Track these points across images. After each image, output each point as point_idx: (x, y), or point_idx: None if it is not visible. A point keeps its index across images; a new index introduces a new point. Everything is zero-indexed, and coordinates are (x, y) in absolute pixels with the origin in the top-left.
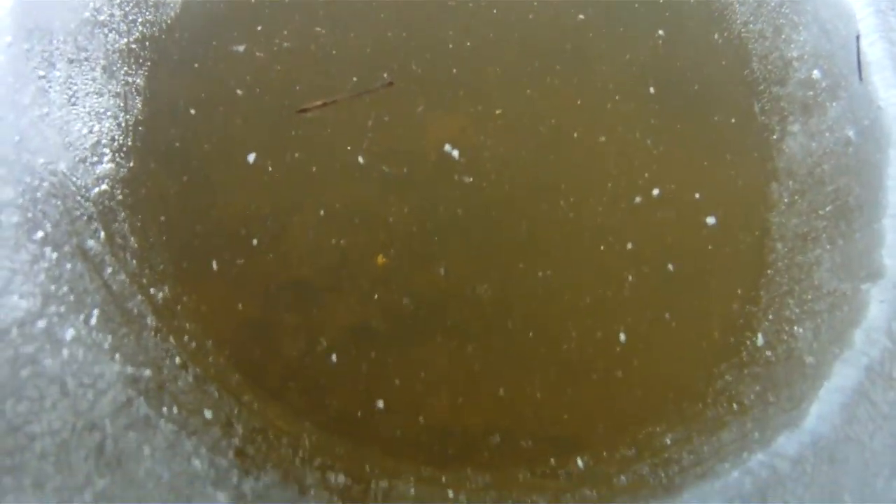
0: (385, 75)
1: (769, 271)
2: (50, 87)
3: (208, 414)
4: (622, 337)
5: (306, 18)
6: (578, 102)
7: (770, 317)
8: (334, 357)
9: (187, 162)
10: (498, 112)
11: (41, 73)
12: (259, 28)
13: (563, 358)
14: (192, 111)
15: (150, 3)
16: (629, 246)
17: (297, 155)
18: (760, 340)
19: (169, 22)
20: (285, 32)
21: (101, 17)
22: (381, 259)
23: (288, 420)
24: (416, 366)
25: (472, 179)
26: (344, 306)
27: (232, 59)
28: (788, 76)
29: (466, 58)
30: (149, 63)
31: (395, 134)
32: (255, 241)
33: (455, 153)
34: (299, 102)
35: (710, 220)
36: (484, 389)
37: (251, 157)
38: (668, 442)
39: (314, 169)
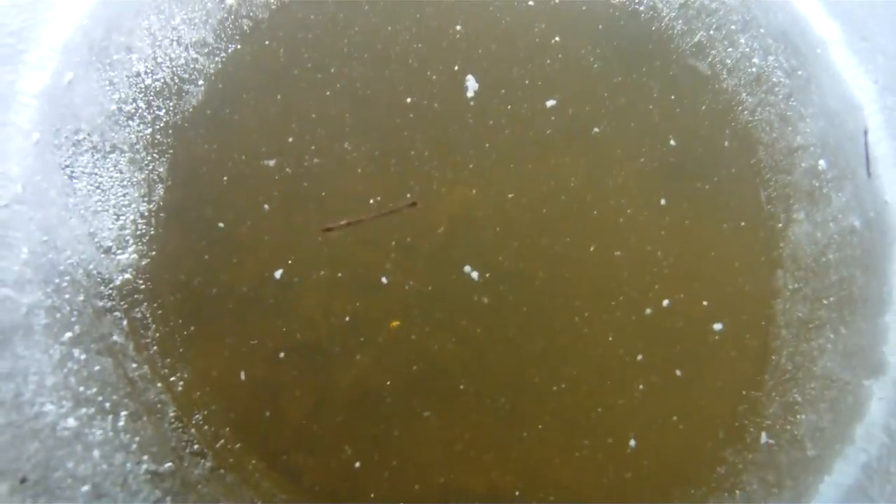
0: (408, 195)
1: (773, 357)
2: (76, 179)
3: None
4: (632, 442)
5: (334, 132)
6: (595, 213)
7: (774, 403)
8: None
9: (211, 262)
10: (515, 232)
11: (68, 165)
12: (290, 141)
13: (575, 465)
14: (221, 224)
15: (174, 91)
16: (639, 357)
17: (322, 273)
18: (763, 438)
19: (191, 112)
20: (313, 147)
21: (127, 108)
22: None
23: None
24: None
25: (489, 300)
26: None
27: (260, 172)
28: (794, 165)
29: (485, 177)
30: (171, 152)
31: (416, 254)
32: (281, 354)
33: (474, 274)
34: (325, 220)
35: (717, 327)
36: (502, 492)
37: (277, 274)
38: None
39: (339, 288)
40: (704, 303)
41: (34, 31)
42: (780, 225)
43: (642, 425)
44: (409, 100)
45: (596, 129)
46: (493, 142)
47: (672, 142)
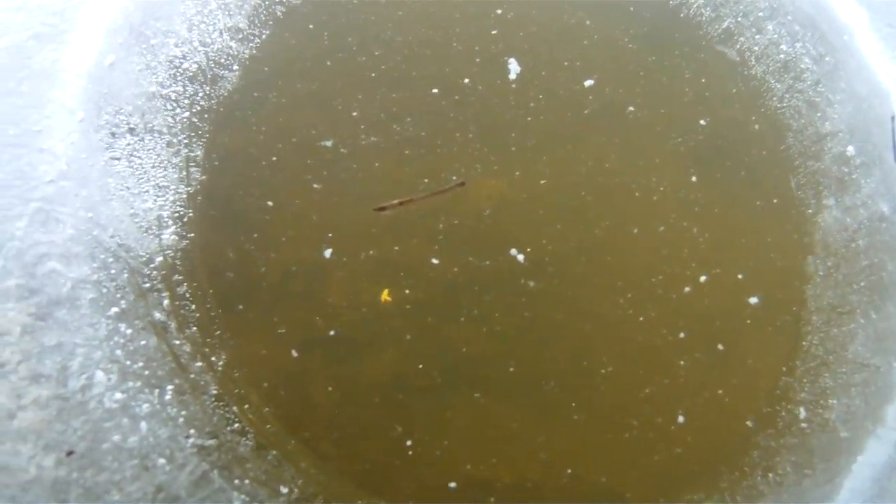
0: (454, 178)
1: (804, 343)
2: (117, 160)
3: (274, 483)
4: (681, 419)
5: (381, 114)
6: (630, 193)
7: (806, 388)
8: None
9: (259, 241)
10: (557, 215)
11: (109, 147)
12: (341, 122)
13: (625, 445)
14: (270, 203)
15: (209, 76)
16: (681, 335)
17: (371, 252)
18: (802, 413)
19: (227, 96)
20: (363, 127)
21: (165, 91)
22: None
23: (339, 482)
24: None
25: (535, 284)
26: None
27: (312, 152)
28: (823, 151)
29: (527, 159)
30: (207, 136)
31: (463, 236)
32: (331, 332)
33: (520, 257)
34: (374, 200)
35: (753, 300)
36: (553, 472)
37: (328, 253)
38: None
39: (388, 268)
40: (739, 276)
41: (77, 12)
42: (811, 211)
43: (689, 401)
44: (453, 82)
45: (630, 109)
46: (534, 123)
47: (702, 122)
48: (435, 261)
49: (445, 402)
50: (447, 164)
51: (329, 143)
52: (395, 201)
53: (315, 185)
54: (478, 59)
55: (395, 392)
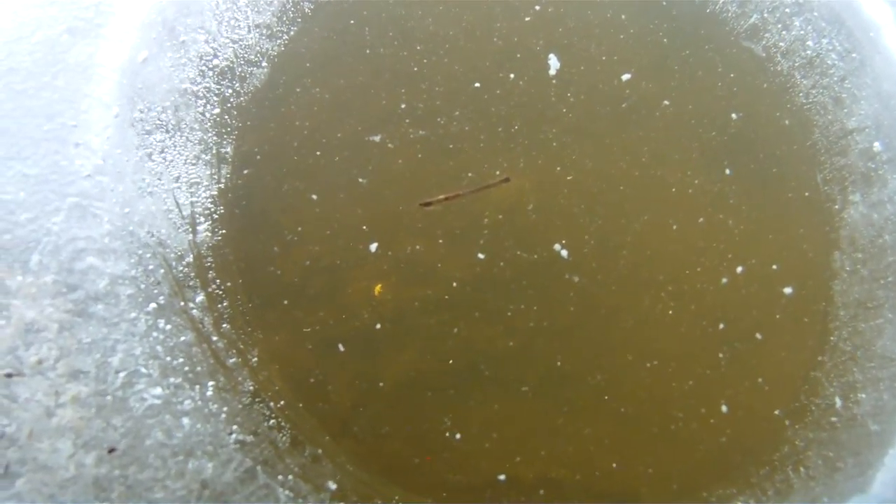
0: (497, 173)
1: (832, 338)
2: (150, 156)
3: (315, 479)
4: (724, 408)
5: (425, 108)
6: (666, 186)
7: (834, 383)
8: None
9: (303, 234)
10: (597, 210)
11: (142, 142)
12: (387, 116)
13: (670, 437)
14: (314, 196)
15: (237, 74)
16: (721, 326)
17: (418, 247)
18: (831, 408)
19: (257, 92)
20: (408, 121)
21: (196, 88)
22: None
23: (381, 477)
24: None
25: (580, 279)
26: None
27: (357, 147)
28: (849, 147)
29: (568, 154)
30: (236, 133)
31: (508, 231)
32: (377, 325)
33: (564, 253)
34: (419, 195)
35: (788, 290)
36: (600, 464)
37: (373, 247)
38: None
39: (435, 262)
40: (774, 267)
41: (111, 6)
42: (837, 207)
43: (732, 391)
44: (495, 77)
45: (666, 103)
46: (574, 118)
47: (734, 115)
48: (481, 255)
49: (493, 395)
50: (490, 158)
51: (377, 138)
52: (441, 196)
53: (360, 180)
54: (518, 55)
55: (443, 386)
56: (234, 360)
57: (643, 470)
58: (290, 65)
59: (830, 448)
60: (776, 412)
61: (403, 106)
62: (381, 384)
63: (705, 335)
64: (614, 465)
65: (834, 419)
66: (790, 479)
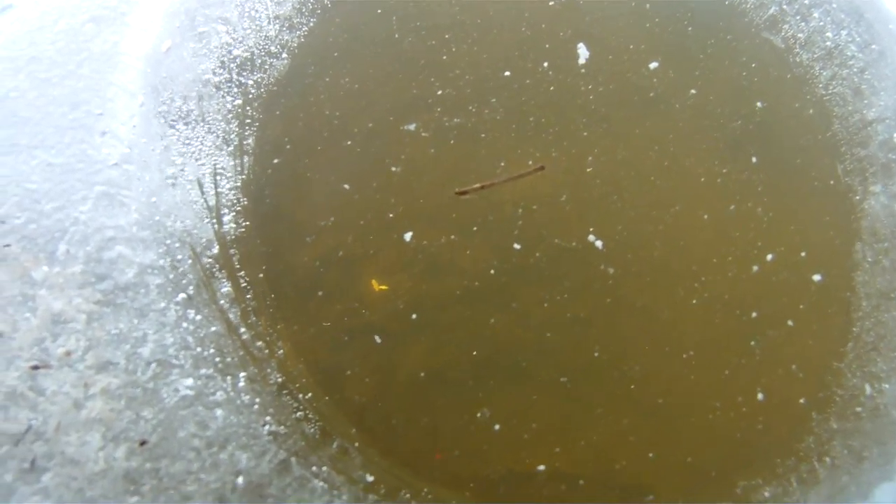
0: (530, 162)
1: (855, 329)
2: (174, 146)
3: (346, 470)
4: (760, 396)
5: (456, 97)
6: (695, 176)
7: (857, 373)
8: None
9: (335, 225)
10: (629, 201)
11: (167, 132)
12: (420, 106)
13: (708, 425)
14: (346, 186)
15: (257, 64)
16: (754, 314)
17: (452, 237)
18: (868, 390)
19: (281, 82)
20: (439, 110)
21: (217, 79)
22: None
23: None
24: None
25: (615, 270)
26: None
27: (389, 136)
28: (869, 138)
29: (598, 144)
30: (258, 124)
31: (543, 221)
32: (413, 315)
33: (599, 243)
34: (453, 184)
35: (817, 277)
36: (639, 454)
37: (408, 236)
38: (767, 495)
39: (471, 252)
40: (802, 254)
41: None
42: (858, 197)
43: (766, 378)
44: (525, 66)
45: (692, 91)
46: (603, 107)
47: (759, 104)
48: (517, 246)
49: (531, 386)
50: (522, 147)
51: (412, 127)
52: (477, 185)
53: (393, 169)
54: (547, 45)
55: (482, 376)
56: (262, 351)
57: (681, 458)
58: (312, 56)
59: (855, 438)
60: (801, 401)
61: (436, 94)
62: (415, 375)
63: (739, 324)
64: (650, 454)
65: (858, 409)
66: (816, 470)
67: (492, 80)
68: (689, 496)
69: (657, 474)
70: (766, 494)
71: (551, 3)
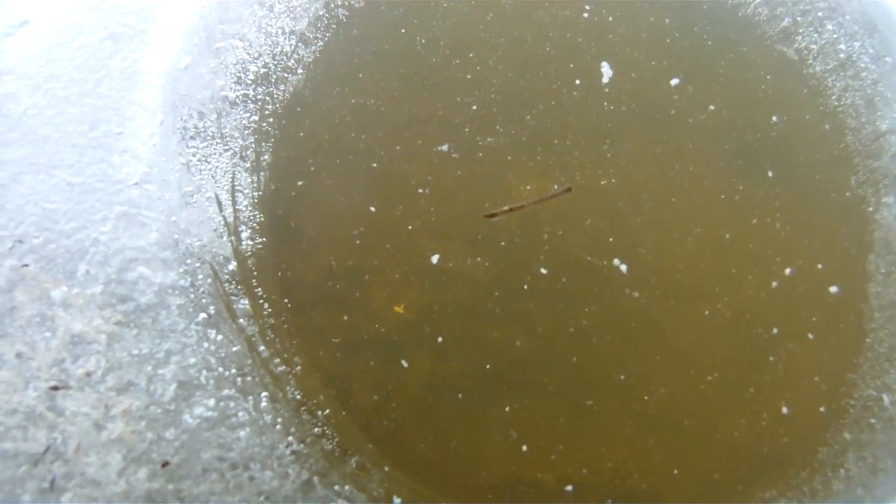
0: (556, 186)
1: (868, 340)
2: (192, 164)
3: (368, 488)
4: (784, 410)
5: (482, 118)
6: (722, 196)
7: (871, 385)
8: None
9: (361, 246)
10: (652, 223)
11: (184, 150)
12: (449, 126)
13: (733, 443)
14: (373, 208)
15: (273, 80)
16: (775, 331)
17: (479, 259)
18: (886, 400)
19: (293, 99)
20: (467, 130)
21: (234, 95)
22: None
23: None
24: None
25: (639, 294)
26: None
27: (418, 157)
28: (882, 150)
29: (622, 166)
30: (273, 140)
31: (570, 245)
32: (439, 338)
33: (623, 267)
34: (479, 206)
35: (834, 289)
36: (665, 473)
37: (435, 259)
38: None
39: (498, 275)
40: (819, 266)
41: (154, 12)
42: (871, 209)
43: (791, 392)
44: (548, 87)
45: (711, 107)
46: (626, 127)
47: (774, 118)
48: (543, 270)
49: (559, 408)
50: (548, 170)
51: (440, 148)
52: (506, 207)
53: (420, 191)
54: (571, 65)
55: (505, 400)
56: (280, 368)
57: (708, 476)
58: (329, 71)
59: (870, 449)
60: (821, 409)
61: (462, 115)
62: (431, 394)
63: (762, 341)
64: (675, 471)
65: (873, 420)
66: (830, 482)
67: (516, 101)
68: None
69: (683, 490)
70: None
71: (578, 28)
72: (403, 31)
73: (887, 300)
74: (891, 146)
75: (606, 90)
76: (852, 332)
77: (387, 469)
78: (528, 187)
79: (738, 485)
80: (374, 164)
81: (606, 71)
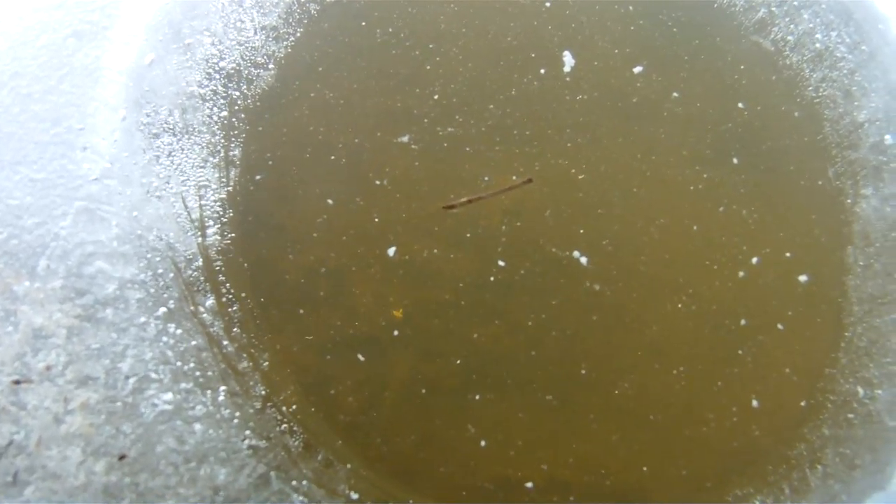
0: (514, 178)
1: (847, 334)
2: (157, 159)
3: (329, 483)
4: (755, 403)
5: (441, 109)
6: (677, 185)
7: (849, 379)
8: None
9: (318, 240)
10: (614, 215)
11: (150, 145)
12: (407, 118)
13: (702, 438)
14: (330, 201)
15: (244, 76)
16: (743, 322)
17: (435, 251)
18: (847, 404)
19: (264, 94)
20: (426, 122)
21: (203, 91)
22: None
23: (398, 487)
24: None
25: (601, 287)
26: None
27: (376, 149)
28: (860, 141)
29: (582, 155)
30: (244, 136)
31: (528, 237)
32: (395, 331)
33: (583, 260)
34: (436, 198)
35: (803, 278)
36: (631, 468)
37: (391, 251)
38: None
39: (454, 268)
40: (787, 254)
41: (117, 9)
42: (849, 201)
43: (761, 385)
44: (509, 77)
45: (675, 94)
46: (587, 117)
47: (740, 104)
48: (501, 262)
49: (517, 404)
50: (507, 160)
51: (405, 139)
52: (464, 199)
53: (377, 182)
54: (533, 54)
55: (466, 394)
56: (245, 364)
57: (676, 472)
58: (298, 67)
59: (847, 445)
60: (802, 404)
61: (421, 107)
62: (396, 390)
63: (729, 333)
64: (644, 468)
65: (851, 416)
66: (807, 478)
67: (477, 92)
68: None
69: (650, 487)
70: (757, 503)
71: (541, 16)
72: (364, 23)
73: (866, 293)
74: (869, 137)
75: (568, 79)
76: (831, 327)
77: (349, 466)
78: (487, 178)
79: (706, 481)
80: (333, 157)
81: (569, 60)
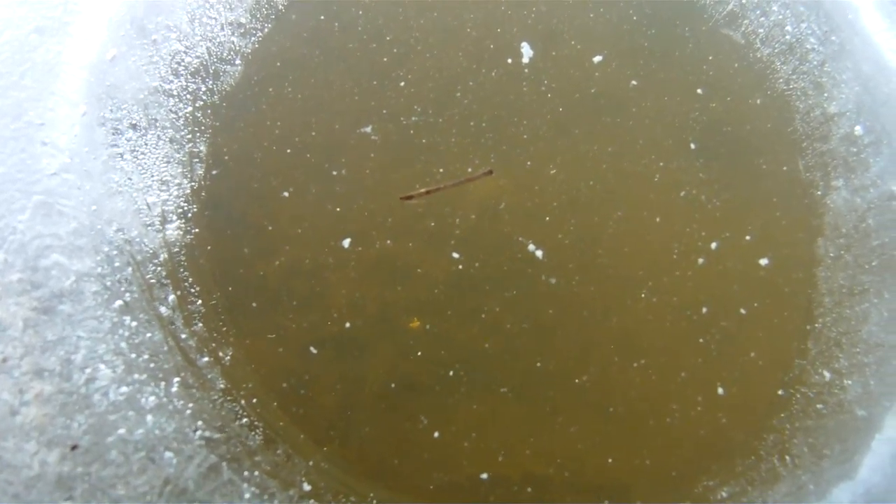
0: (469, 170)
1: (817, 325)
2: (120, 154)
3: (285, 476)
4: (720, 391)
5: (399, 102)
6: (634, 176)
7: (819, 370)
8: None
9: (274, 233)
10: (570, 207)
11: (112, 141)
12: (366, 109)
13: (667, 429)
14: (286, 193)
15: (210, 72)
16: (704, 310)
17: (388, 243)
18: (817, 395)
19: (231, 90)
20: (385, 112)
21: (167, 87)
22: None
23: (355, 476)
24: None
25: (557, 280)
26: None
27: (332, 143)
28: (831, 132)
29: (538, 148)
30: (210, 131)
31: (482, 231)
32: (347, 324)
33: (539, 253)
34: (392, 190)
35: (764, 262)
36: (589, 463)
37: (346, 243)
38: (725, 495)
39: (409, 260)
40: (748, 238)
41: (78, 4)
42: (819, 193)
43: (726, 372)
44: (468, 69)
45: (634, 83)
46: (545, 110)
47: (699, 90)
48: (455, 255)
49: (471, 396)
50: (462, 155)
51: (368, 130)
52: (422, 190)
53: (333, 173)
54: (491, 46)
55: (419, 386)
56: (206, 358)
57: (639, 463)
58: (264, 62)
59: (816, 435)
60: (765, 390)
61: (380, 101)
62: (356, 384)
63: (691, 323)
64: (610, 460)
65: (820, 406)
66: (776, 468)
67: (434, 84)
68: (646, 498)
69: (611, 478)
70: (724, 494)
71: (500, 7)
72: (323, 17)
73: (836, 284)
74: (839, 129)
75: (526, 70)
76: (801, 317)
77: (316, 460)
78: (442, 170)
79: (672, 470)
80: (289, 150)
81: (527, 51)
